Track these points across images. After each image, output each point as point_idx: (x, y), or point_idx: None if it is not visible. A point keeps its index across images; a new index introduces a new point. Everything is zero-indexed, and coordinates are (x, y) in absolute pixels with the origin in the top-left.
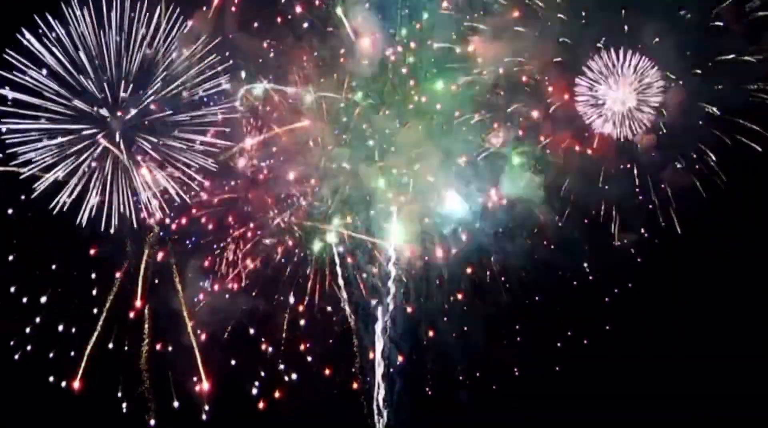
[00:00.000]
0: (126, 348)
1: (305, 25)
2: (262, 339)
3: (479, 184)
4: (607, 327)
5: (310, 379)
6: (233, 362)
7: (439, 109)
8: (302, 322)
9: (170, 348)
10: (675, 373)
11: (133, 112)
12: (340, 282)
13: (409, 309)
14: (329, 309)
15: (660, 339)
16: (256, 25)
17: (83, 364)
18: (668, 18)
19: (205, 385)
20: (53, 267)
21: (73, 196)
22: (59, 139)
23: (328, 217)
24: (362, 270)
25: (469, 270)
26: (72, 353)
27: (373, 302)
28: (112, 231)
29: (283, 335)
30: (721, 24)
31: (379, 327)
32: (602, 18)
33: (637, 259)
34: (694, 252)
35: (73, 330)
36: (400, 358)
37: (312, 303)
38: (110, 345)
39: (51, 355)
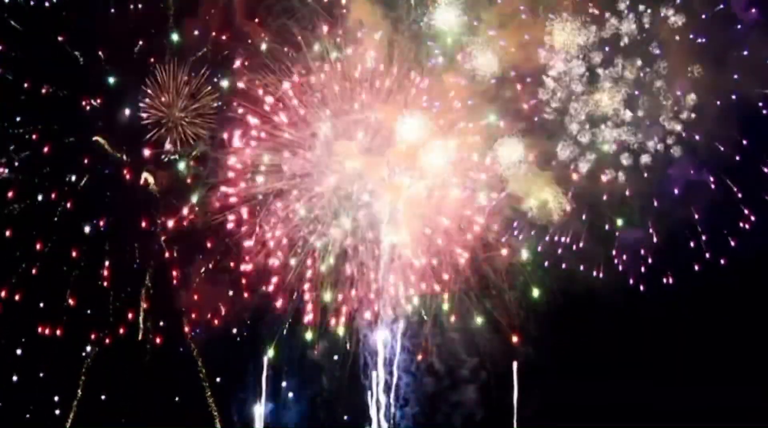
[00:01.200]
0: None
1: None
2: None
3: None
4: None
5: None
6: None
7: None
8: (305, 321)
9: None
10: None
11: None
12: (343, 278)
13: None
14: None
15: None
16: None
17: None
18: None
19: None
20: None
21: None
22: None
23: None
24: (365, 265)
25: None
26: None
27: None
28: None
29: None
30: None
31: (380, 325)
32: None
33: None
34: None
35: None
36: (402, 356)
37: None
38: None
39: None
